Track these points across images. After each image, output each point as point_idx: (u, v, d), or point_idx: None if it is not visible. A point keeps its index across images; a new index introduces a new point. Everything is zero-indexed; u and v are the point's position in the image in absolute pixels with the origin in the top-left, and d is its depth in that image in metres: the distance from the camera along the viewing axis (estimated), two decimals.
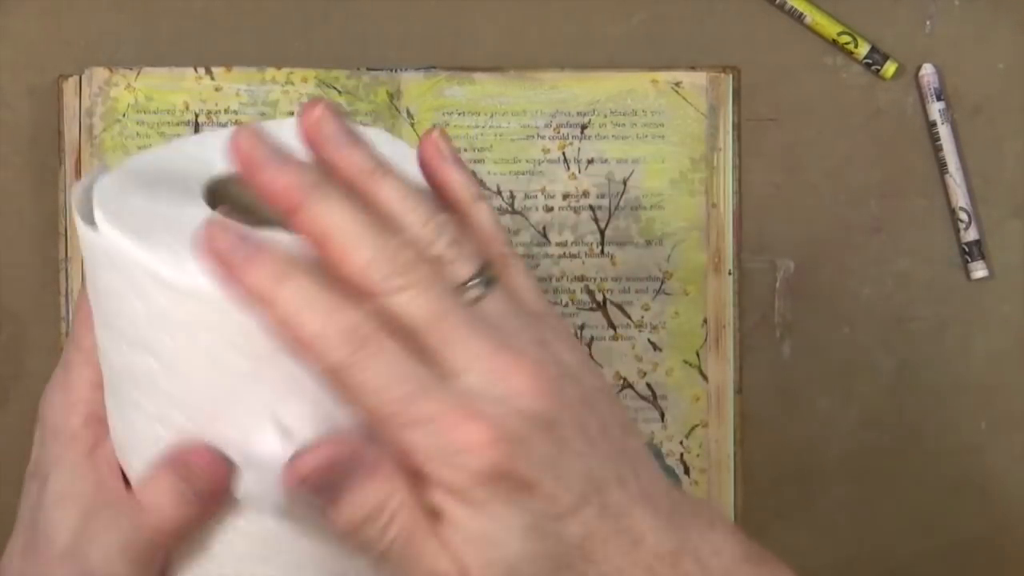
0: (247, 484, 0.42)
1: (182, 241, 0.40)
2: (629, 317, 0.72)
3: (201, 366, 0.41)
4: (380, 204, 0.40)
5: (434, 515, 0.39)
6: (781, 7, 0.72)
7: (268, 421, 0.41)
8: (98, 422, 0.46)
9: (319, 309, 0.38)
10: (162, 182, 0.44)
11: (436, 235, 0.40)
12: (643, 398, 0.72)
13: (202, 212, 0.43)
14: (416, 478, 0.39)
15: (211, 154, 0.46)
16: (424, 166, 0.43)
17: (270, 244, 0.38)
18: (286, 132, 0.43)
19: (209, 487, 0.42)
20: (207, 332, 0.40)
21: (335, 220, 0.39)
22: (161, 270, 0.39)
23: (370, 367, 0.37)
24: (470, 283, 0.40)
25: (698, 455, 0.71)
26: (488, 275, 0.40)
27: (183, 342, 0.40)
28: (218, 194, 0.45)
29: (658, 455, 0.71)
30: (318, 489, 0.38)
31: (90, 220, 0.42)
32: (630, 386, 0.71)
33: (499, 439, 0.38)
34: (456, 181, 0.43)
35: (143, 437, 0.43)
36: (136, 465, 0.44)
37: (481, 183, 0.71)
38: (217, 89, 0.71)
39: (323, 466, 0.38)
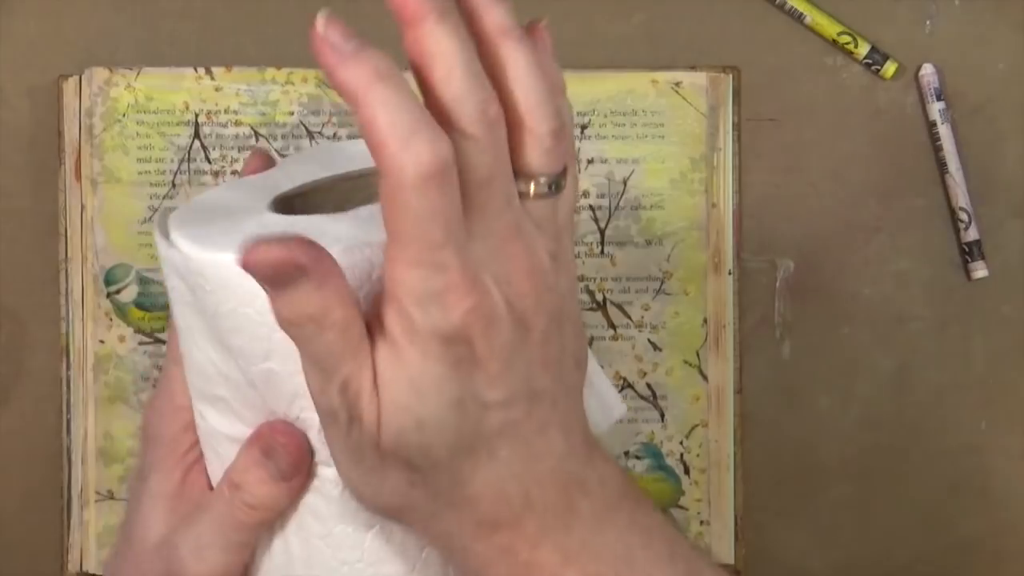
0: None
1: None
2: (629, 317, 0.72)
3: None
4: (504, 65, 0.40)
5: (376, 335, 0.40)
6: (781, 7, 0.72)
7: None
8: (195, 429, 0.48)
9: (406, 113, 0.38)
10: (231, 208, 0.45)
11: (545, 115, 0.40)
12: (643, 398, 0.72)
13: (280, 220, 0.44)
14: (380, 296, 0.40)
15: (269, 182, 0.47)
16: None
17: (374, 49, 0.39)
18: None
19: (290, 462, 0.43)
20: None
21: (449, 46, 0.39)
22: None
23: (429, 196, 0.38)
24: (546, 180, 0.41)
25: (698, 455, 0.71)
26: (560, 184, 0.41)
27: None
28: (290, 207, 0.46)
29: (658, 455, 0.72)
30: (264, 280, 0.39)
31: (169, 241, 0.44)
32: (630, 386, 0.71)
33: (478, 308, 0.39)
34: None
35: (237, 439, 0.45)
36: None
37: None
38: (217, 89, 0.71)
39: (274, 263, 0.38)
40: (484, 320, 0.39)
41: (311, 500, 0.44)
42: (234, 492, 0.44)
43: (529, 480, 0.42)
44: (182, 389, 0.47)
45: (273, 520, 0.45)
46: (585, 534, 0.43)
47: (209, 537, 0.45)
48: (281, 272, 0.38)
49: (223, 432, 0.45)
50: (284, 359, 0.41)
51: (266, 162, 0.50)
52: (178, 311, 0.44)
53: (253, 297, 0.41)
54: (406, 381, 0.39)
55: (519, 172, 0.40)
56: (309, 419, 0.43)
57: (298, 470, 0.43)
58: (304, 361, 0.40)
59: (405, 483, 0.41)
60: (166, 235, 0.44)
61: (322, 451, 0.43)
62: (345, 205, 0.46)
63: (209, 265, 0.41)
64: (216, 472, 0.46)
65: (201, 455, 0.47)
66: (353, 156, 0.49)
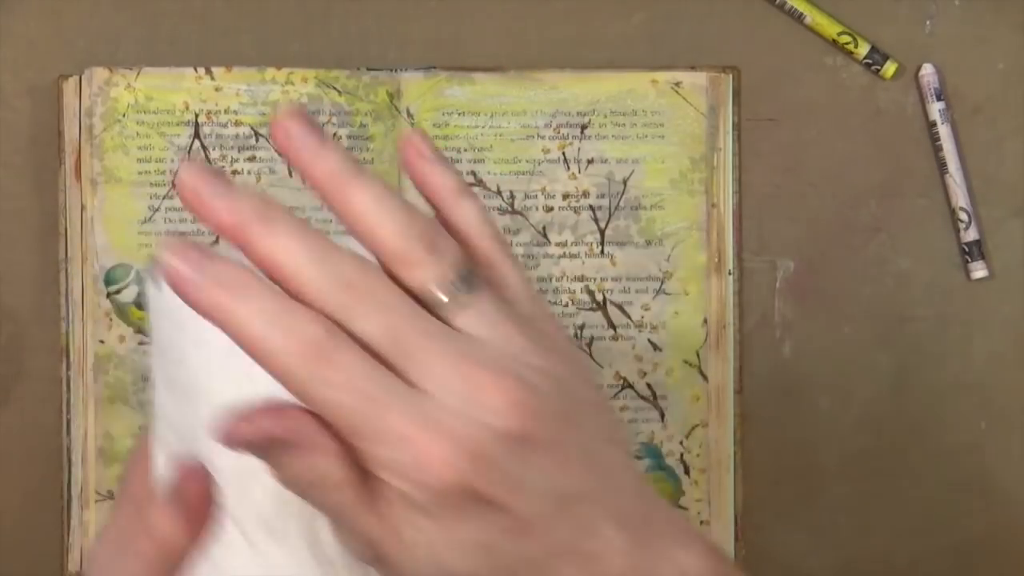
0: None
1: None
2: (629, 317, 0.72)
3: None
4: (352, 211, 0.39)
5: (380, 497, 0.39)
6: (781, 7, 0.72)
7: None
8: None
9: (279, 325, 0.37)
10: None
11: (409, 240, 0.39)
12: (643, 398, 0.72)
13: None
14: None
15: None
16: (407, 169, 0.43)
17: (230, 257, 0.38)
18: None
19: (192, 502, 0.42)
20: None
21: (282, 250, 0.38)
22: None
23: (334, 383, 0.37)
24: (450, 287, 0.39)
25: (698, 455, 0.71)
26: (471, 279, 0.39)
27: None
28: None
29: (658, 455, 0.72)
30: (254, 452, 0.38)
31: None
32: (630, 386, 0.71)
33: (463, 457, 0.37)
34: (438, 179, 0.42)
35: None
36: None
37: (481, 183, 0.71)
38: (217, 89, 0.71)
39: (258, 438, 0.38)
40: (473, 463, 0.37)
41: (216, 553, 0.44)
42: (147, 528, 0.44)
43: None
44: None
45: (177, 561, 0.44)
46: None
47: (126, 571, 0.44)
48: (261, 447, 0.38)
49: (162, 476, 0.45)
50: (223, 402, 0.41)
51: None
52: (153, 352, 0.44)
53: (202, 338, 0.41)
54: (425, 546, 0.38)
55: (422, 299, 0.39)
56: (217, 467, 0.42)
57: (198, 513, 0.42)
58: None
59: None
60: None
61: (228, 499, 0.43)
62: None
63: (167, 299, 0.40)
64: None
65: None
66: None
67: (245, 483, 0.42)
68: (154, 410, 0.45)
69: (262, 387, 0.39)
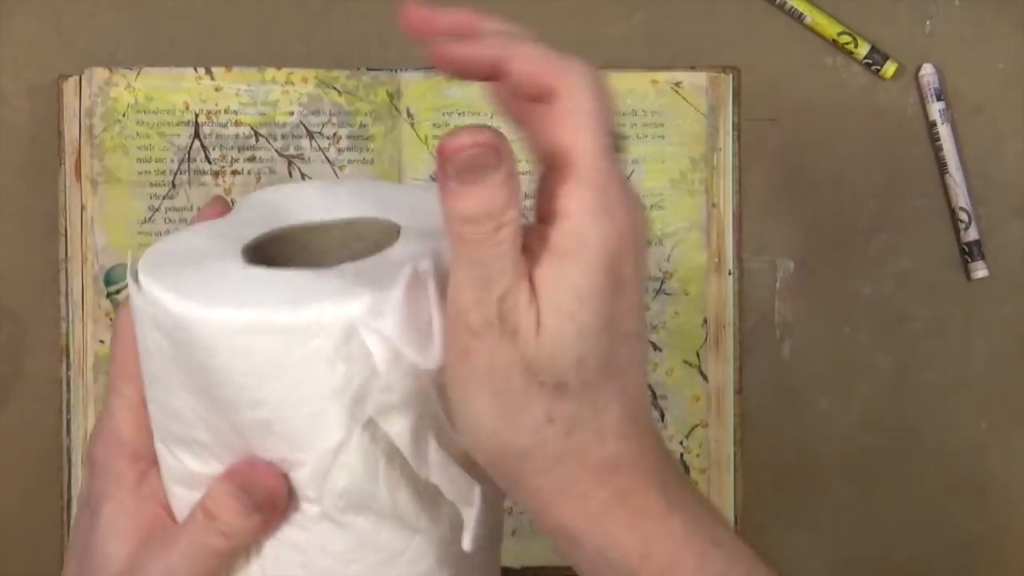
0: (316, 481, 0.44)
1: (269, 296, 0.42)
2: None
3: (312, 395, 0.43)
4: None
5: (539, 251, 0.41)
6: (781, 7, 0.72)
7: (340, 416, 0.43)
8: (142, 460, 0.48)
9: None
10: (203, 257, 0.46)
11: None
12: None
13: (261, 273, 0.44)
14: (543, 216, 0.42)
15: (229, 228, 0.48)
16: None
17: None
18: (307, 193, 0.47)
19: (266, 498, 0.44)
20: (316, 364, 0.42)
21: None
22: (275, 319, 0.42)
23: (600, 100, 0.42)
24: (617, 137, 0.43)
25: (698, 455, 0.71)
26: (622, 143, 0.43)
27: (294, 380, 0.42)
28: (255, 256, 0.47)
29: None
30: (458, 168, 0.40)
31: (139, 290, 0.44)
32: None
33: (636, 225, 0.41)
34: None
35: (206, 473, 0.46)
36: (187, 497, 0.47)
37: None
38: (217, 89, 0.71)
39: (481, 144, 0.40)
40: (637, 240, 0.41)
41: (291, 534, 0.45)
42: (208, 520, 0.45)
43: (643, 422, 0.43)
44: (124, 424, 0.48)
45: (245, 549, 0.46)
46: (679, 489, 0.43)
47: (180, 562, 0.46)
48: (478, 160, 0.39)
49: (199, 472, 0.46)
50: (276, 407, 0.42)
51: (224, 209, 0.50)
52: (154, 361, 0.44)
53: (246, 350, 0.42)
54: (571, 288, 0.40)
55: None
56: (299, 460, 0.43)
57: (274, 506, 0.44)
58: (463, 272, 0.41)
59: (544, 416, 0.41)
60: (138, 283, 0.44)
61: (309, 488, 0.44)
62: (306, 254, 0.48)
63: (198, 322, 0.42)
64: (185, 507, 0.47)
65: (154, 486, 0.48)
66: (305, 201, 0.50)
67: (325, 467, 0.43)
68: (161, 407, 0.46)
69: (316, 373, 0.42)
